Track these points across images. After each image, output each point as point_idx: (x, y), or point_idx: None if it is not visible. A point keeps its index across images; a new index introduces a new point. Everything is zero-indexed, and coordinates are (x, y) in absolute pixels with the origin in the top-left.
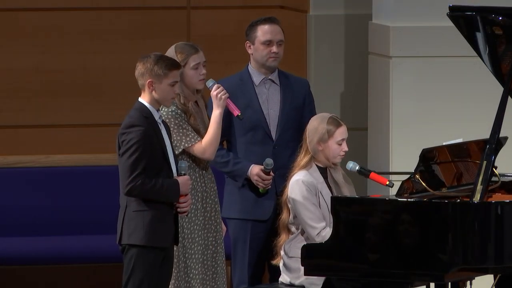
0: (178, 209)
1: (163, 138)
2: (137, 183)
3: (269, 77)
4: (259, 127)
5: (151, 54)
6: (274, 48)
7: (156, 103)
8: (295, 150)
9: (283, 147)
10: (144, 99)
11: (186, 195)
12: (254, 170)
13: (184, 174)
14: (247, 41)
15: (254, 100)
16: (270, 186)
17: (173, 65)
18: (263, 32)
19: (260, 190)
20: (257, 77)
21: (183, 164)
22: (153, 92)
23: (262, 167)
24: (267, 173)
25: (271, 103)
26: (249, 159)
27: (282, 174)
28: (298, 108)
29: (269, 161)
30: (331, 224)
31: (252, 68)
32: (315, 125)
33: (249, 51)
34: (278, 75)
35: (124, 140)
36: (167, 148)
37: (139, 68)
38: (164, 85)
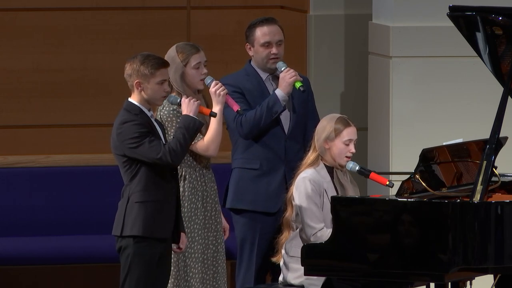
0: None
1: (159, 134)
2: (170, 150)
3: (274, 74)
4: (272, 120)
5: (138, 55)
6: (274, 50)
7: (146, 103)
8: (302, 145)
9: (293, 141)
10: (134, 99)
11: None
12: (282, 75)
13: (180, 102)
14: (247, 43)
15: (266, 94)
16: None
17: (159, 63)
18: (261, 33)
19: (297, 85)
20: (262, 74)
21: (171, 98)
22: (142, 92)
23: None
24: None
25: None
26: (262, 152)
27: (292, 167)
28: (304, 103)
29: (281, 63)
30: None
31: (255, 65)
32: (324, 124)
33: (250, 53)
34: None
35: (125, 136)
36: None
37: (127, 69)
38: (152, 84)
